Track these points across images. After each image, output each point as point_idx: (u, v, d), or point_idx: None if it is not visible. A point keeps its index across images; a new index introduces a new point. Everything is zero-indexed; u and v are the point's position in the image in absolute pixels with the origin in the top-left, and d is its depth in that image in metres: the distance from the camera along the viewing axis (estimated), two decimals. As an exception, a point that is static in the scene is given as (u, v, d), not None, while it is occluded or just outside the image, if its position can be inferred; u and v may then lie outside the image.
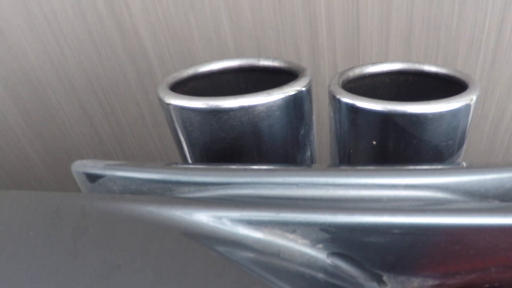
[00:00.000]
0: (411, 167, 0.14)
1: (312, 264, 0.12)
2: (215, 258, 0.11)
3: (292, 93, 0.17)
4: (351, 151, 0.19)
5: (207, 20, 0.31)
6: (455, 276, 0.12)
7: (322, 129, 0.36)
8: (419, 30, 0.31)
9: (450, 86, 0.18)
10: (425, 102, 0.15)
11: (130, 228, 0.11)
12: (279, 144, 0.18)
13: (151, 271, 0.10)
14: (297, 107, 0.17)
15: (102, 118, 0.37)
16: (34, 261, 0.10)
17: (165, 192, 0.15)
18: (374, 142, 0.17)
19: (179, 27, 0.32)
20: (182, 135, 0.18)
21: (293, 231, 0.12)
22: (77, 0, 0.31)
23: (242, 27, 0.31)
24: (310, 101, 0.18)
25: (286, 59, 0.20)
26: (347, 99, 0.17)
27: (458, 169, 0.14)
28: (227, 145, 0.17)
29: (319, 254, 0.12)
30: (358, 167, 0.14)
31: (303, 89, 0.17)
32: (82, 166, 0.16)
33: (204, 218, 0.12)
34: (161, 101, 0.17)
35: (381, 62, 0.20)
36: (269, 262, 0.11)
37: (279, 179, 0.14)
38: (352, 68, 0.20)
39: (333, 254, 0.12)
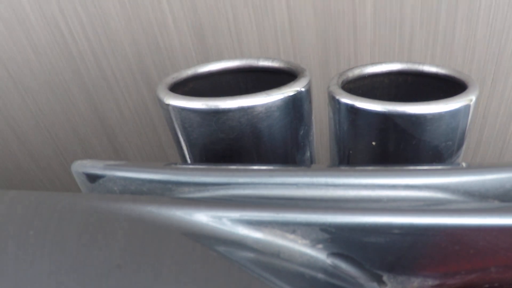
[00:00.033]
0: (411, 167, 0.14)
1: (312, 264, 0.12)
2: (215, 258, 0.11)
3: (291, 93, 0.17)
4: (351, 151, 0.19)
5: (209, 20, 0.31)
6: (455, 276, 0.12)
7: (321, 129, 0.36)
8: (419, 30, 0.31)
9: (449, 86, 0.18)
10: (425, 102, 0.15)
11: (130, 228, 0.11)
12: (279, 144, 0.18)
13: (151, 271, 0.10)
14: (296, 108, 0.17)
15: (102, 118, 0.37)
16: (34, 261, 0.10)
17: (165, 192, 0.14)
18: (374, 143, 0.17)
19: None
20: (182, 136, 0.18)
21: (293, 231, 0.12)
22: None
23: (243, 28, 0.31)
24: (310, 102, 0.18)
25: (286, 60, 0.20)
26: (347, 99, 0.17)
27: (458, 169, 0.14)
28: (226, 145, 0.17)
29: (319, 254, 0.12)
30: (358, 168, 0.14)
31: (302, 89, 0.17)
32: (82, 166, 0.16)
33: (204, 218, 0.12)
34: (160, 102, 0.17)
35: (381, 62, 0.20)
36: (269, 262, 0.11)
37: (278, 180, 0.14)
38: (351, 68, 0.20)
39: (333, 254, 0.12)
